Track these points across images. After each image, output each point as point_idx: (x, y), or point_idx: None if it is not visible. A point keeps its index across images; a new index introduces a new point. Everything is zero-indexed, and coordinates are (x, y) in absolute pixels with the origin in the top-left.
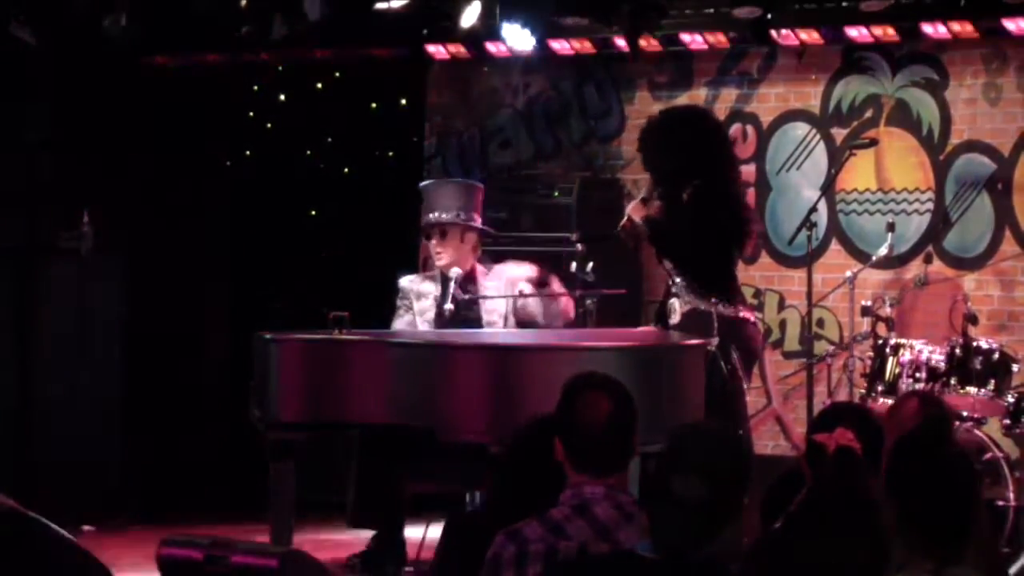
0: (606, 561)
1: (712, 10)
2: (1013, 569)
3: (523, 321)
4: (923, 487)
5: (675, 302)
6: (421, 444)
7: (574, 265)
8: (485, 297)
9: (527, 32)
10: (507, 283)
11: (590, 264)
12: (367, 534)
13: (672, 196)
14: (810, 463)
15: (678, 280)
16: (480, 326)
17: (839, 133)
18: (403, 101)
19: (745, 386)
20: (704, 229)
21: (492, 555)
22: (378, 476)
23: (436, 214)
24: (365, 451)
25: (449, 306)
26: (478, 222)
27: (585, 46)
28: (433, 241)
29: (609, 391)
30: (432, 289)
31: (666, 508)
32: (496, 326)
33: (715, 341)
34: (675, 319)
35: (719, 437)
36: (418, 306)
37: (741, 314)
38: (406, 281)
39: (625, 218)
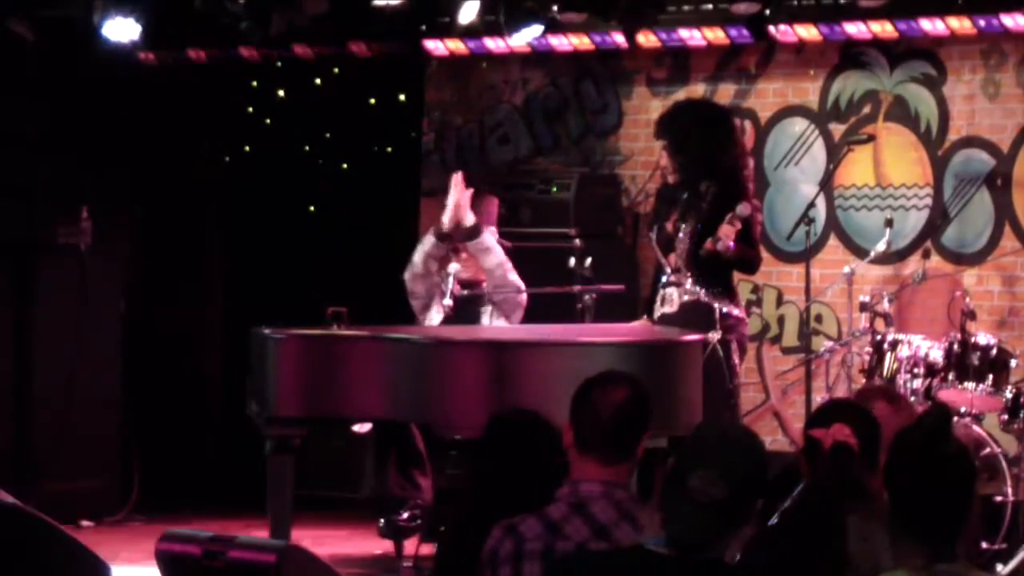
0: (615, 555)
1: (710, 6)
2: (1010, 565)
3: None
4: (921, 482)
5: (673, 291)
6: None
7: (572, 261)
8: (482, 294)
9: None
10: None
11: (588, 260)
12: (363, 532)
13: (692, 187)
14: (807, 459)
15: (683, 270)
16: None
17: (837, 129)
18: (402, 97)
19: (739, 381)
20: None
21: (489, 549)
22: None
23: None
24: (380, 446)
25: (448, 302)
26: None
27: (583, 42)
28: (449, 252)
29: (628, 384)
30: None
31: (682, 504)
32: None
33: (718, 335)
34: (671, 308)
35: (741, 437)
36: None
37: (739, 312)
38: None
39: (712, 241)
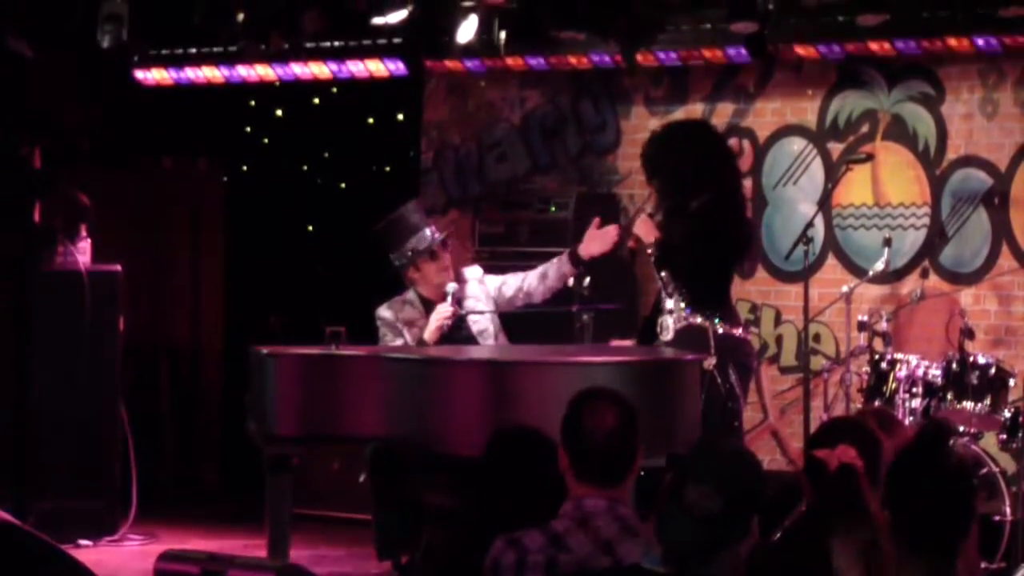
0: (614, 574)
1: (709, 25)
2: None
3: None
4: (920, 497)
5: (667, 318)
6: (429, 457)
7: (571, 280)
8: (481, 312)
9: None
10: (480, 288)
11: (587, 279)
12: (362, 551)
13: (679, 209)
14: (810, 479)
15: (674, 296)
16: (474, 340)
17: (835, 148)
18: (400, 116)
19: (742, 404)
20: (714, 242)
21: (491, 560)
22: (394, 497)
23: (425, 234)
24: (376, 473)
25: (447, 319)
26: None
27: (582, 61)
28: (431, 265)
29: (615, 403)
30: (417, 315)
31: (677, 516)
32: (487, 334)
33: (712, 360)
34: (668, 336)
35: (738, 453)
36: (411, 335)
37: (737, 332)
38: (386, 312)
39: (632, 238)
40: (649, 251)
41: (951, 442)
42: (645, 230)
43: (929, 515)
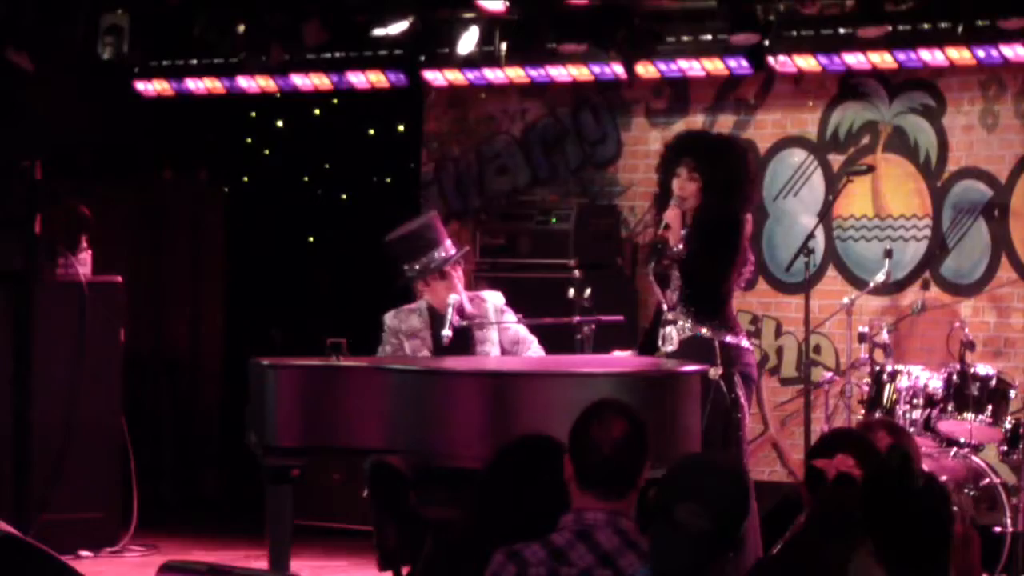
0: None
1: (709, 36)
2: None
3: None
4: (901, 524)
5: (671, 329)
6: (430, 469)
7: (572, 291)
8: (482, 323)
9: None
10: (495, 313)
11: (588, 290)
12: (362, 562)
13: (717, 212)
14: (809, 489)
15: (679, 306)
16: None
17: (836, 160)
18: (400, 127)
19: (746, 415)
20: (712, 252)
21: (491, 574)
22: (395, 510)
23: (439, 252)
24: (377, 485)
25: (447, 332)
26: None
27: (582, 72)
28: (441, 283)
29: (624, 415)
30: (421, 325)
31: (667, 535)
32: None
33: (719, 370)
34: (672, 347)
35: (724, 468)
36: (410, 345)
37: (741, 342)
38: (392, 319)
39: (664, 225)
40: (673, 245)
41: (916, 465)
42: (675, 220)
43: (904, 537)
